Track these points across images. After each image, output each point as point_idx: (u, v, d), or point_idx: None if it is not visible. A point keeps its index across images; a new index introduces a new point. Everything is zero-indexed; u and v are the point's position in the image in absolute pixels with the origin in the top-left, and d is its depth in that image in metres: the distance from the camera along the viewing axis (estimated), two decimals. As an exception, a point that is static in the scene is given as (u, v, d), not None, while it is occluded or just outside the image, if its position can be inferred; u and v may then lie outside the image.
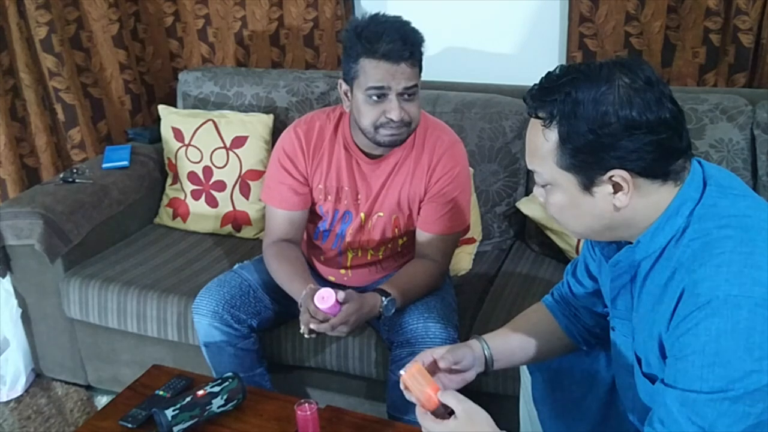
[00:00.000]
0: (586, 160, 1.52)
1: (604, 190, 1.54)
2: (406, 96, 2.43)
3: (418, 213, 2.66)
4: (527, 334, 2.02)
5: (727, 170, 1.68)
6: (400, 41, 2.37)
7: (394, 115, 2.41)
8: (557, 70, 1.59)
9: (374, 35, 2.38)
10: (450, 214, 2.62)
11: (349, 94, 2.53)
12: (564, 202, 1.61)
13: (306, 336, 2.45)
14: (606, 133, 1.48)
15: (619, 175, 1.51)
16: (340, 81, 2.56)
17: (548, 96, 1.55)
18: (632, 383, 1.74)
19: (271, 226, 2.77)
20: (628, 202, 1.54)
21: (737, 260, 1.45)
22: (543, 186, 1.64)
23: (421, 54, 2.46)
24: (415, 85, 2.45)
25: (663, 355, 1.56)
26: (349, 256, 2.77)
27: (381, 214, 2.67)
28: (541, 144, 1.57)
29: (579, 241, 2.96)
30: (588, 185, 1.55)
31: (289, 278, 2.63)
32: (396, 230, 2.70)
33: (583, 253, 2.00)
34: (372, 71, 2.40)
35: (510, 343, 2.01)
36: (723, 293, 1.41)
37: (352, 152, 2.65)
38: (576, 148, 1.52)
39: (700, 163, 1.62)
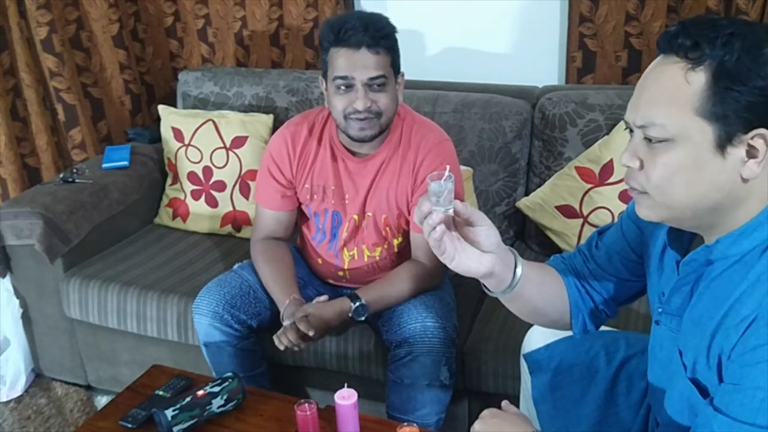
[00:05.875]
0: (734, 110, 1.39)
1: (737, 153, 1.41)
2: (374, 86, 2.47)
3: (409, 213, 2.66)
4: (544, 284, 1.90)
5: None
6: (362, 28, 2.41)
7: (359, 104, 2.45)
8: (701, 16, 1.48)
9: (338, 24, 2.45)
10: None
11: (326, 90, 2.58)
12: (684, 162, 1.44)
13: (281, 348, 2.50)
14: (765, 88, 1.38)
15: (761, 135, 1.39)
16: (320, 78, 2.62)
17: (705, 35, 1.40)
18: (667, 380, 1.69)
19: (259, 223, 2.84)
20: (758, 173, 1.42)
21: None
22: (655, 144, 1.47)
23: (389, 44, 2.49)
24: (383, 76, 2.47)
25: (718, 372, 1.49)
26: (346, 257, 2.77)
27: (370, 213, 2.69)
28: (680, 88, 1.42)
29: (579, 242, 2.97)
30: (724, 142, 1.41)
31: (273, 281, 2.69)
32: (387, 230, 2.70)
33: (623, 221, 1.89)
34: (337, 60, 2.46)
35: (532, 277, 1.83)
36: None
37: (337, 151, 2.68)
38: (728, 93, 1.39)
39: None
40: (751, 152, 1.41)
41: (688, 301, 1.58)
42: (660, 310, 1.68)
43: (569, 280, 1.94)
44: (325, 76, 2.56)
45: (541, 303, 1.89)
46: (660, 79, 1.47)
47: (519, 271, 1.74)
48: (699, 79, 1.40)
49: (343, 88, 2.47)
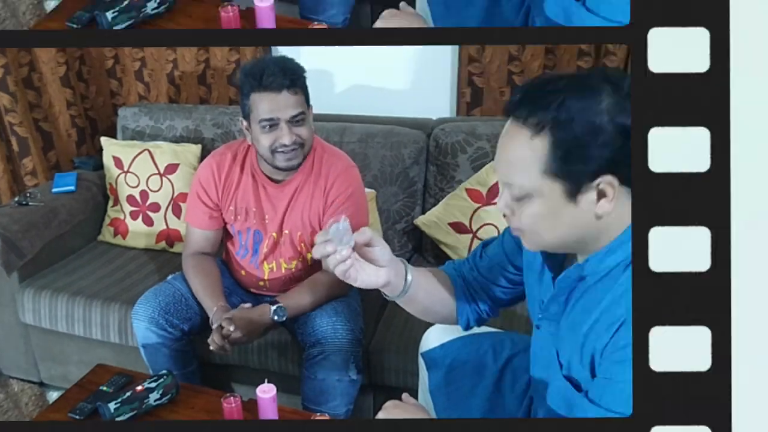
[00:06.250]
0: (577, 167, 1.46)
1: (588, 198, 1.49)
2: (295, 121, 2.59)
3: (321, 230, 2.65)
4: (435, 288, 2.00)
5: None
6: (280, 72, 2.55)
7: (286, 140, 2.58)
8: (540, 79, 1.55)
9: (257, 71, 2.57)
10: None
11: (248, 129, 2.69)
12: (543, 213, 1.52)
13: (212, 348, 2.60)
14: (602, 141, 1.44)
15: (607, 181, 1.46)
16: (240, 119, 2.73)
17: (541, 102, 1.47)
18: (546, 377, 1.76)
19: (190, 240, 2.94)
20: (611, 210, 1.49)
21: None
22: (518, 199, 1.54)
23: (302, 82, 2.62)
24: (302, 113, 2.60)
25: (590, 369, 1.57)
26: (266, 269, 2.88)
27: (287, 231, 2.80)
28: (528, 152, 1.49)
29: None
30: (574, 193, 1.48)
31: (202, 291, 2.77)
32: (302, 245, 2.81)
33: (505, 237, 1.97)
34: (260, 104, 2.58)
35: (421, 282, 1.93)
36: None
37: (258, 178, 2.79)
38: (569, 154, 1.45)
39: None
40: (601, 193, 1.48)
41: (564, 309, 1.66)
42: (540, 316, 1.76)
43: (457, 284, 2.02)
44: (246, 117, 2.66)
45: (430, 304, 1.99)
46: (510, 145, 1.54)
47: (409, 277, 1.84)
48: (542, 144, 1.47)
49: (268, 127, 2.58)
